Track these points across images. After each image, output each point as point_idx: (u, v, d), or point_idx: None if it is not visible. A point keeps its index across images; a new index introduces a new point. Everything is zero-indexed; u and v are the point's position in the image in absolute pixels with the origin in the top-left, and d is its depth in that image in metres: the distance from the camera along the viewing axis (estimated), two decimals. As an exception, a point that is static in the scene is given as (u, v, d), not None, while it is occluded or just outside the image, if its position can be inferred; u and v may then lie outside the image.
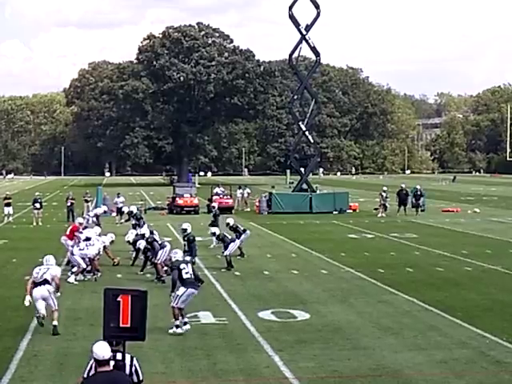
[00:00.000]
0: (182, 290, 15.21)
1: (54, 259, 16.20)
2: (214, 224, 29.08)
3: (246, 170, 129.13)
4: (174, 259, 16.11)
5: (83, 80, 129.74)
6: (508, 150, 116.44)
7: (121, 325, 7.72)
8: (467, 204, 52.76)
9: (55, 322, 14.95)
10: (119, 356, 7.88)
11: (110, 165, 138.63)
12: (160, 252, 21.49)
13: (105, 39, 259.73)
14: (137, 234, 24.09)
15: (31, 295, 15.18)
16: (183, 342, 14.39)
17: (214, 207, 33.26)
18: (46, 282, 15.30)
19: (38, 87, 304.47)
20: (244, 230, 26.13)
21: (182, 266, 15.45)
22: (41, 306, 15.05)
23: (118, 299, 7.73)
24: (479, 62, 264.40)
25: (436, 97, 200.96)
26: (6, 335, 14.92)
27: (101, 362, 7.58)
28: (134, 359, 8.08)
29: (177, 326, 15.04)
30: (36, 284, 15.30)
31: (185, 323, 15.15)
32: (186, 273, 15.39)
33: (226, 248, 24.04)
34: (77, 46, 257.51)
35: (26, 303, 15.21)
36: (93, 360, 7.71)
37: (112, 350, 7.72)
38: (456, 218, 41.97)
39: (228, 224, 26.34)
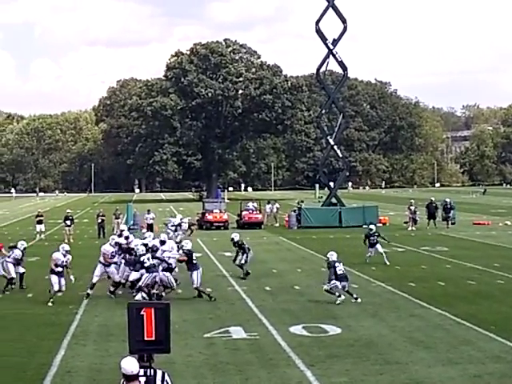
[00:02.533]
0: (337, 283, 19.67)
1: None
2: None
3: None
4: (330, 259, 20.09)
5: (112, 97, 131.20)
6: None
7: (145, 338, 7.74)
8: (498, 217, 52.28)
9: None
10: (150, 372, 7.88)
11: (140, 181, 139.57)
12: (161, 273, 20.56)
13: (133, 57, 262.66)
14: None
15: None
16: (215, 357, 14.41)
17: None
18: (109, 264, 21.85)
19: (68, 105, 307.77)
20: (248, 249, 25.06)
21: (337, 264, 19.86)
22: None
23: (142, 313, 7.74)
24: (508, 73, 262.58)
25: (463, 110, 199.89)
26: (40, 352, 15.04)
27: (129, 378, 7.47)
28: (166, 375, 7.98)
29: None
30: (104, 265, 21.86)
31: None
32: (340, 270, 19.77)
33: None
34: (106, 64, 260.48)
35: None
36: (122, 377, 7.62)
37: (143, 366, 7.69)
38: (487, 231, 41.62)
39: (233, 239, 25.20)
